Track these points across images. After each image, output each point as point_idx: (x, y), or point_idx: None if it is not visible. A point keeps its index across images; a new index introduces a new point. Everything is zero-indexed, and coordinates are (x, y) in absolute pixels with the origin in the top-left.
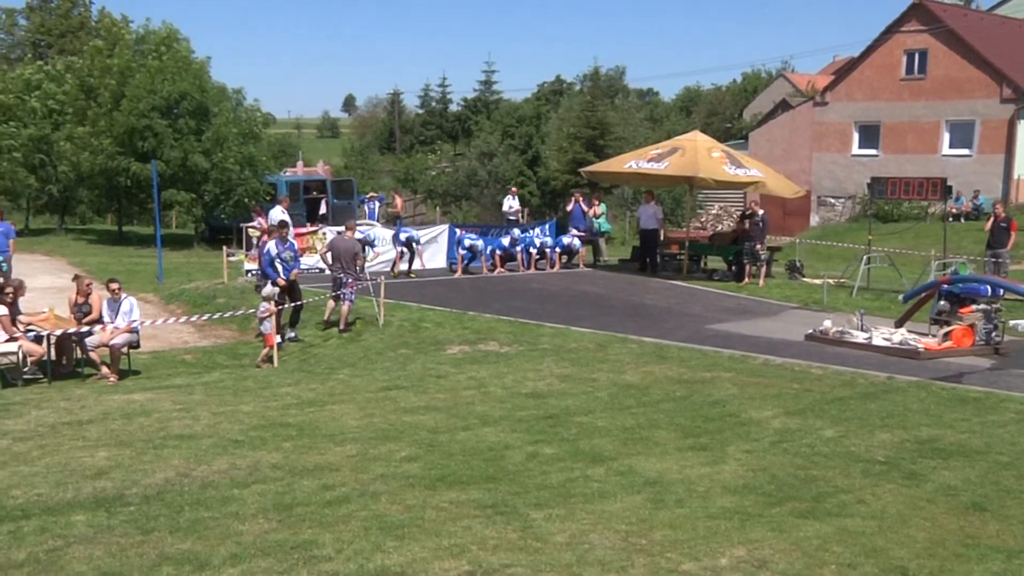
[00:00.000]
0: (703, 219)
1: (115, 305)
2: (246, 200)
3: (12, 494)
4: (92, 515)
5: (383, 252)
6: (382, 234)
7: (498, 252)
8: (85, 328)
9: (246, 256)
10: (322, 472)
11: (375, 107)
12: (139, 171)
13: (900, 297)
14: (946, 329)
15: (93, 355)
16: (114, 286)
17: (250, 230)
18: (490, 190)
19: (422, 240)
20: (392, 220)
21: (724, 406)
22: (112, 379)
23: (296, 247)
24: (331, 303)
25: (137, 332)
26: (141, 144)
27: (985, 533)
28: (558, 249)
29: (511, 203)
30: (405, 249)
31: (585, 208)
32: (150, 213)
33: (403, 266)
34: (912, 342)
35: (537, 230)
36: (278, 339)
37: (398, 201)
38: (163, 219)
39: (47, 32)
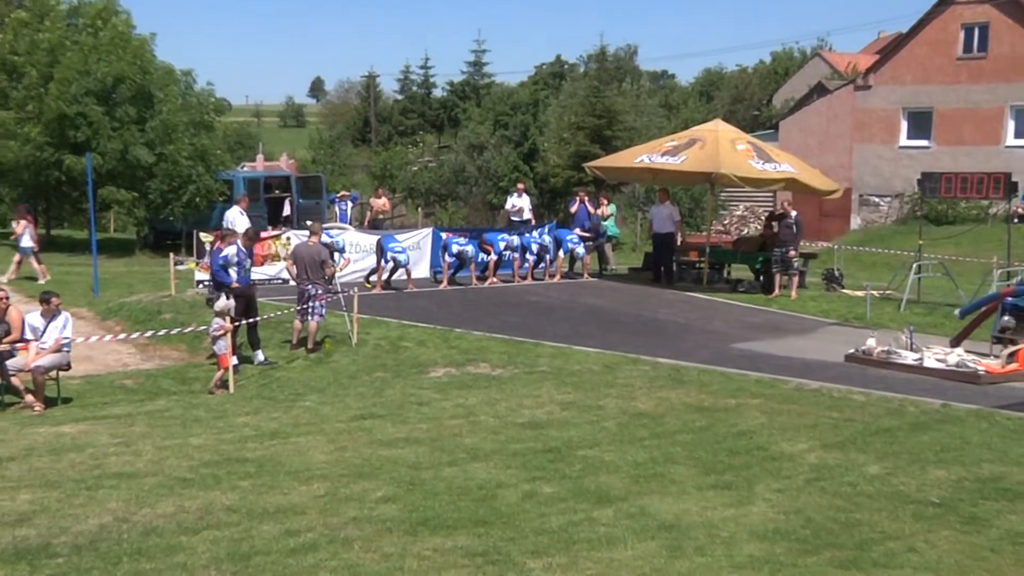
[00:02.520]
0: (726, 222)
1: (48, 321)
2: (197, 200)
3: None
4: (12, 569)
5: (357, 259)
6: (355, 239)
7: (492, 258)
8: (5, 347)
9: (197, 265)
10: (285, 515)
11: (347, 92)
12: (72, 165)
13: (956, 312)
14: (1011, 349)
15: (15, 380)
16: (57, 301)
17: (203, 235)
18: (480, 188)
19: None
20: (375, 223)
21: (751, 438)
22: (37, 408)
23: (252, 255)
24: (297, 323)
25: (67, 351)
26: (73, 134)
27: None
28: (561, 253)
29: (515, 201)
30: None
31: (591, 209)
32: (84, 214)
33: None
34: (971, 364)
35: (535, 234)
36: (235, 361)
37: (384, 202)
38: (100, 221)
39: None
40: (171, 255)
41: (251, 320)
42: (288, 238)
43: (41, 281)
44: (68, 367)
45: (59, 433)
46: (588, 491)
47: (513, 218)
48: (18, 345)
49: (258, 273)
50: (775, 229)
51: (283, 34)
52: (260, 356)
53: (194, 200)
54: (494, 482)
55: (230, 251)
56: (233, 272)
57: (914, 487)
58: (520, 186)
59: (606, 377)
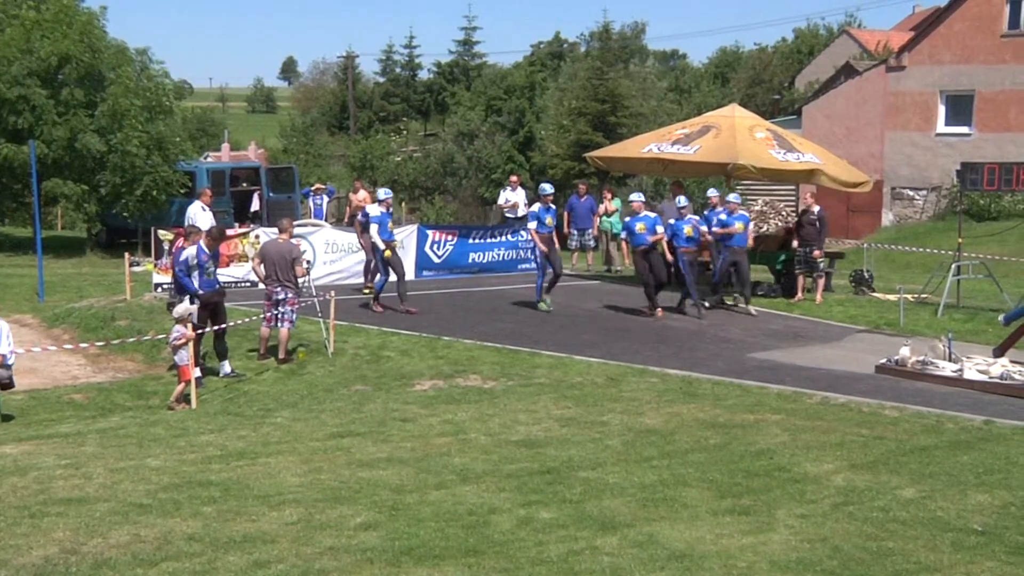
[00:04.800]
0: None
1: None
2: (154, 193)
3: None
4: None
5: (333, 259)
6: (332, 237)
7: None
8: None
9: (155, 266)
10: (253, 544)
11: (322, 74)
12: (12, 155)
13: (1000, 318)
14: None
15: None
16: None
17: (161, 233)
18: (470, 180)
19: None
20: (354, 219)
21: (771, 458)
22: None
23: (218, 256)
24: (264, 330)
25: (9, 366)
26: (14, 120)
27: None
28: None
29: (509, 196)
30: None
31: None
32: (28, 210)
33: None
34: (1017, 376)
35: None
36: (197, 373)
37: (364, 196)
38: (45, 218)
39: None
40: (126, 255)
41: (218, 327)
42: (257, 236)
43: None
44: (10, 383)
45: None
46: (590, 517)
47: (507, 214)
48: None
49: (224, 275)
50: (795, 225)
51: (252, 9)
52: (226, 367)
53: (149, 194)
54: (486, 507)
55: (189, 253)
56: (195, 276)
57: (954, 513)
58: (514, 179)
59: (610, 390)
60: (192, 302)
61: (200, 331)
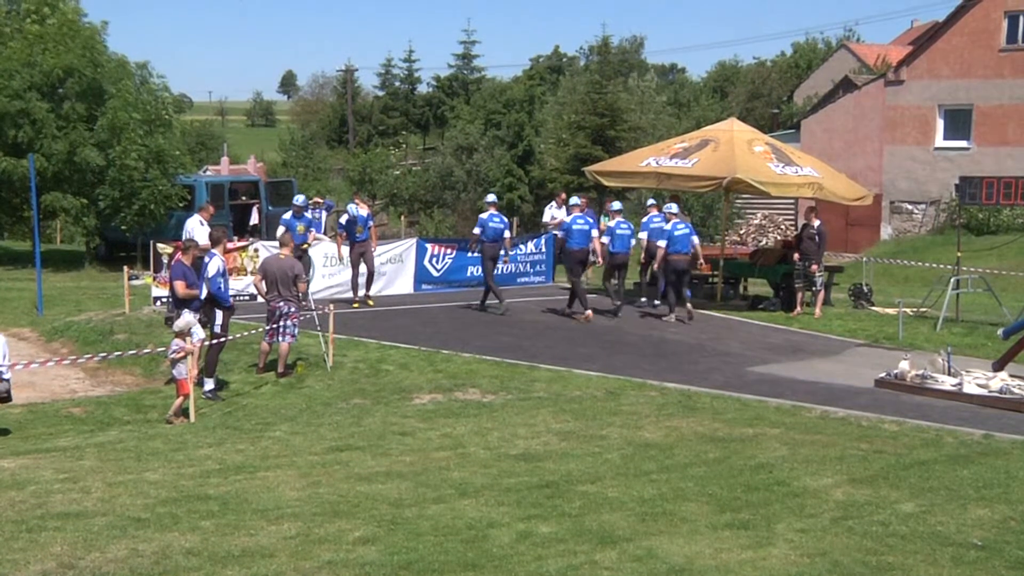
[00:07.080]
0: (742, 231)
1: None
2: (152, 207)
3: None
4: None
5: (332, 273)
6: (331, 251)
7: None
8: None
9: (154, 279)
10: (252, 559)
11: (322, 88)
12: (11, 168)
13: (999, 332)
14: None
15: None
16: None
17: (160, 247)
18: (469, 194)
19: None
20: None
21: (771, 472)
22: None
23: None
24: (264, 345)
25: (7, 380)
26: (14, 133)
27: None
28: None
29: (555, 213)
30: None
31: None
32: (27, 223)
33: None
34: (1016, 390)
35: (531, 244)
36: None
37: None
38: (44, 231)
39: None
40: (125, 268)
41: (218, 341)
42: (256, 250)
43: None
44: (8, 398)
45: None
46: (589, 531)
47: (554, 232)
48: None
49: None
50: (793, 239)
51: (251, 23)
52: (209, 384)
53: (148, 207)
54: (485, 521)
55: (219, 266)
56: (222, 283)
57: (953, 527)
58: (562, 196)
59: (609, 404)
60: (195, 313)
61: (224, 339)
